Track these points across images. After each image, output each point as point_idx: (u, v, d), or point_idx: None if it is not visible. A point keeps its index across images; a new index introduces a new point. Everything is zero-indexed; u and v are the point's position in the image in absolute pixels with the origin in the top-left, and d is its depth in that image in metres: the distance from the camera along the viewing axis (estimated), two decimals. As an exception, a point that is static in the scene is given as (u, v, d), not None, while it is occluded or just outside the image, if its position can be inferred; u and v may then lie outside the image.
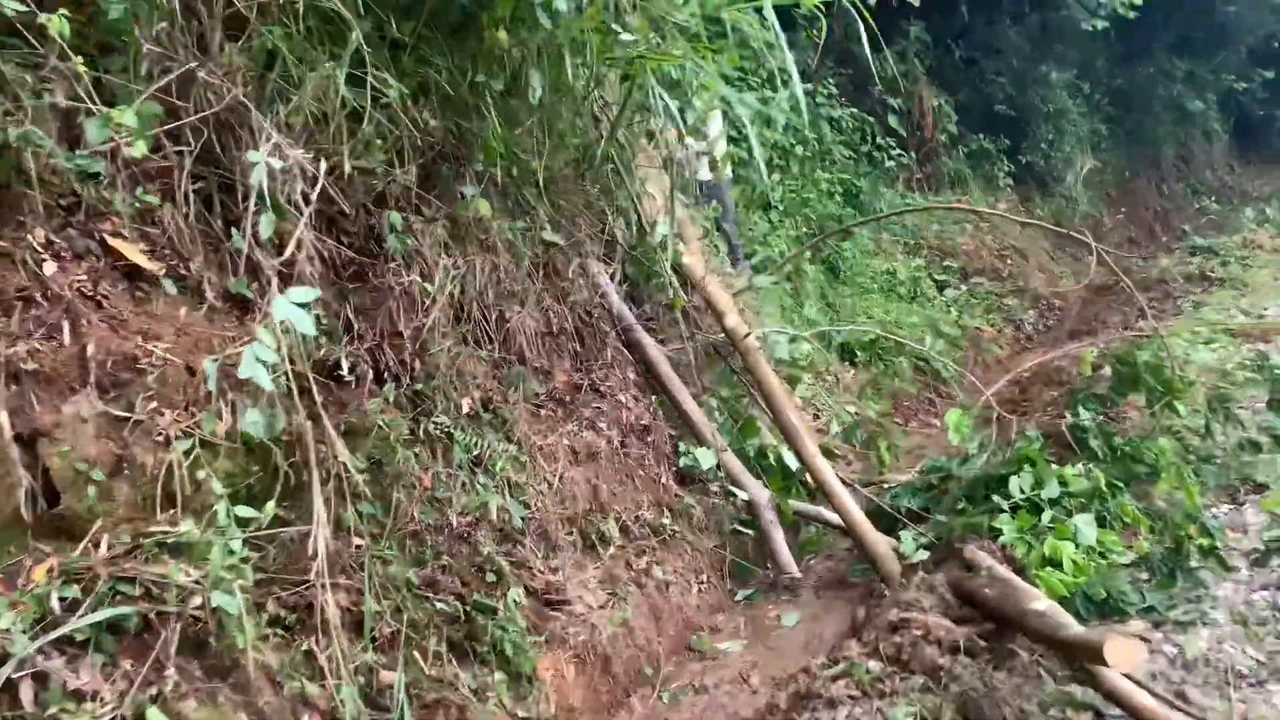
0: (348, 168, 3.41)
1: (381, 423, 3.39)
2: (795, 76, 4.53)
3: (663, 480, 4.59)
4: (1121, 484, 4.67)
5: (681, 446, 4.74)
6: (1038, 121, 14.29)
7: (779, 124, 8.15)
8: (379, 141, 3.62)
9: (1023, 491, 4.47)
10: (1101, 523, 4.35)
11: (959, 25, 13.83)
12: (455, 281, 3.84)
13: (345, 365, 3.39)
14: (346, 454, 3.10)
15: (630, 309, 4.92)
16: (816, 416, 6.44)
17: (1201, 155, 22.39)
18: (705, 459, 4.65)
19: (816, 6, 4.71)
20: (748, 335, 4.85)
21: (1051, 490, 4.46)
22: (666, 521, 4.52)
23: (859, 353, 8.21)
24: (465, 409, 3.78)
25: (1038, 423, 5.50)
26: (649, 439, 4.53)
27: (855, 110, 12.48)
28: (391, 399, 3.52)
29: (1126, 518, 4.51)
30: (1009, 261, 12.37)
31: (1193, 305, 10.09)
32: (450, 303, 3.85)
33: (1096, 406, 5.12)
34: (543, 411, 4.10)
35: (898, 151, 12.10)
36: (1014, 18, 13.82)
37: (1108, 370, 5.35)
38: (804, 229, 8.89)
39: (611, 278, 4.91)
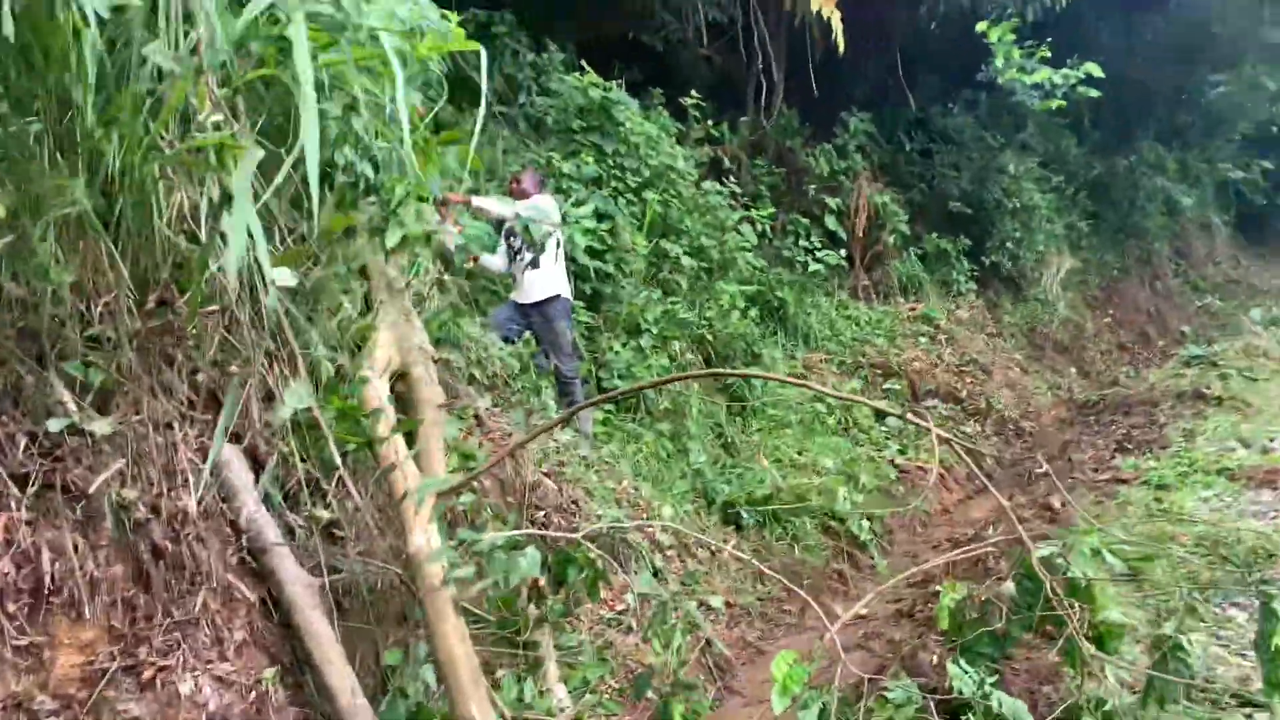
0: None
1: None
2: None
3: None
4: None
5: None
6: (1002, 218, 12.78)
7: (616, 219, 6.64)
8: None
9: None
10: None
11: (908, 116, 12.48)
12: None
13: None
14: None
15: (274, 517, 3.28)
16: (636, 638, 4.69)
17: (1201, 248, 20.86)
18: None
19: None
20: (442, 570, 3.12)
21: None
22: None
23: (745, 512, 6.48)
24: None
25: (913, 667, 3.75)
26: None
27: (776, 210, 11.03)
28: None
29: None
30: (969, 379, 10.68)
31: (1183, 435, 8.32)
32: None
33: (990, 653, 3.37)
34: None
35: (824, 254, 10.53)
36: (967, 104, 12.45)
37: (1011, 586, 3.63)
38: (687, 358, 7.27)
39: (258, 463, 3.29)
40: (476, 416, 4.58)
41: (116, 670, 2.69)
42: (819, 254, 10.29)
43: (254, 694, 2.90)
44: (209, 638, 2.91)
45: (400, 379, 4.16)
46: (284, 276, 2.56)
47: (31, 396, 2.67)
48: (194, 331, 3.11)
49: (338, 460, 3.30)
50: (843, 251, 10.77)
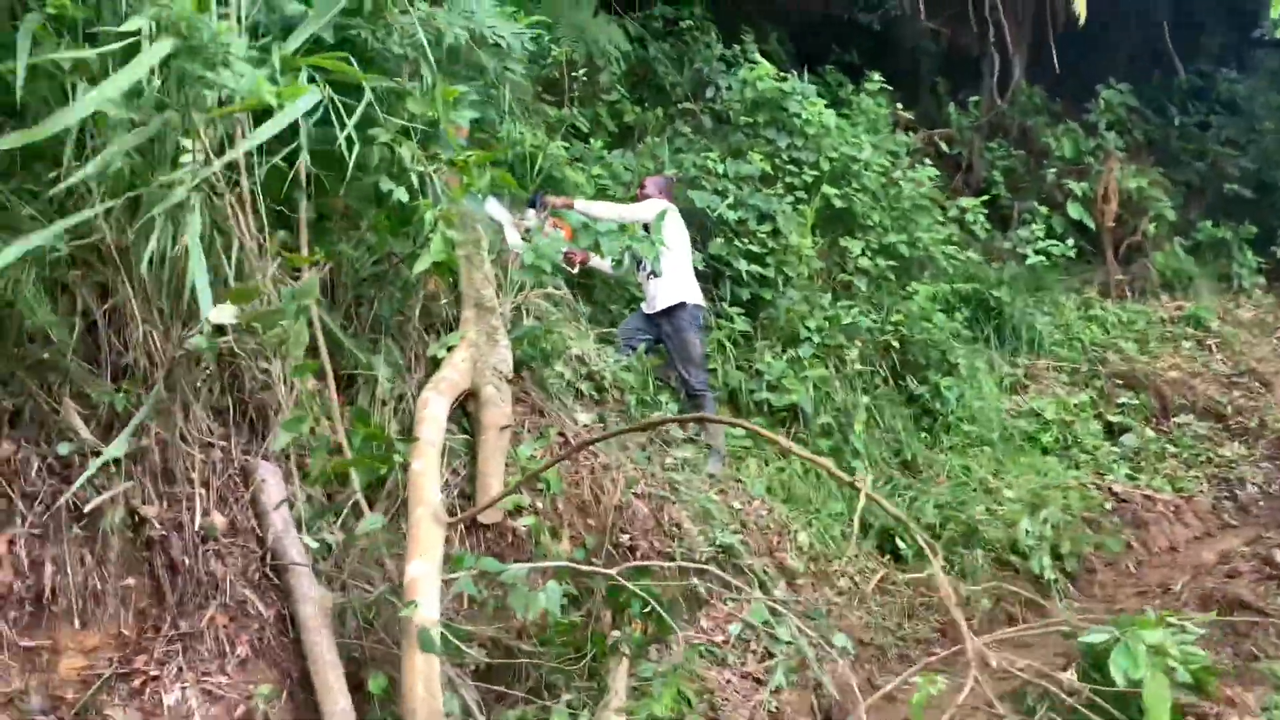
0: None
1: None
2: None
3: None
4: None
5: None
6: (1301, 201, 10.76)
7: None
8: None
9: None
10: None
11: (1181, 85, 10.84)
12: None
13: None
14: None
15: (300, 536, 3.36)
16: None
17: None
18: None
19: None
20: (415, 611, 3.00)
21: None
22: None
23: (902, 542, 5.90)
24: None
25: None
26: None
27: (1012, 197, 10.00)
28: None
29: None
30: (1240, 393, 9.09)
31: None
32: None
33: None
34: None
35: (1045, 244, 9.34)
36: (1255, 67, 10.59)
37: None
38: (856, 367, 6.69)
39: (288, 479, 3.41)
40: (562, 434, 4.49)
41: (113, 676, 2.89)
42: (1039, 245, 9.15)
43: (243, 709, 3.01)
44: (211, 651, 3.05)
45: (471, 398, 4.18)
46: (223, 315, 2.60)
47: (47, 421, 2.91)
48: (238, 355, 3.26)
49: (356, 484, 3.34)
50: (1070, 242, 9.48)
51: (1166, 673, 2.75)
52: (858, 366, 6.74)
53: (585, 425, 4.81)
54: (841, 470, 6.35)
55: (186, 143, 2.86)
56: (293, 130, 3.67)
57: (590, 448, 4.59)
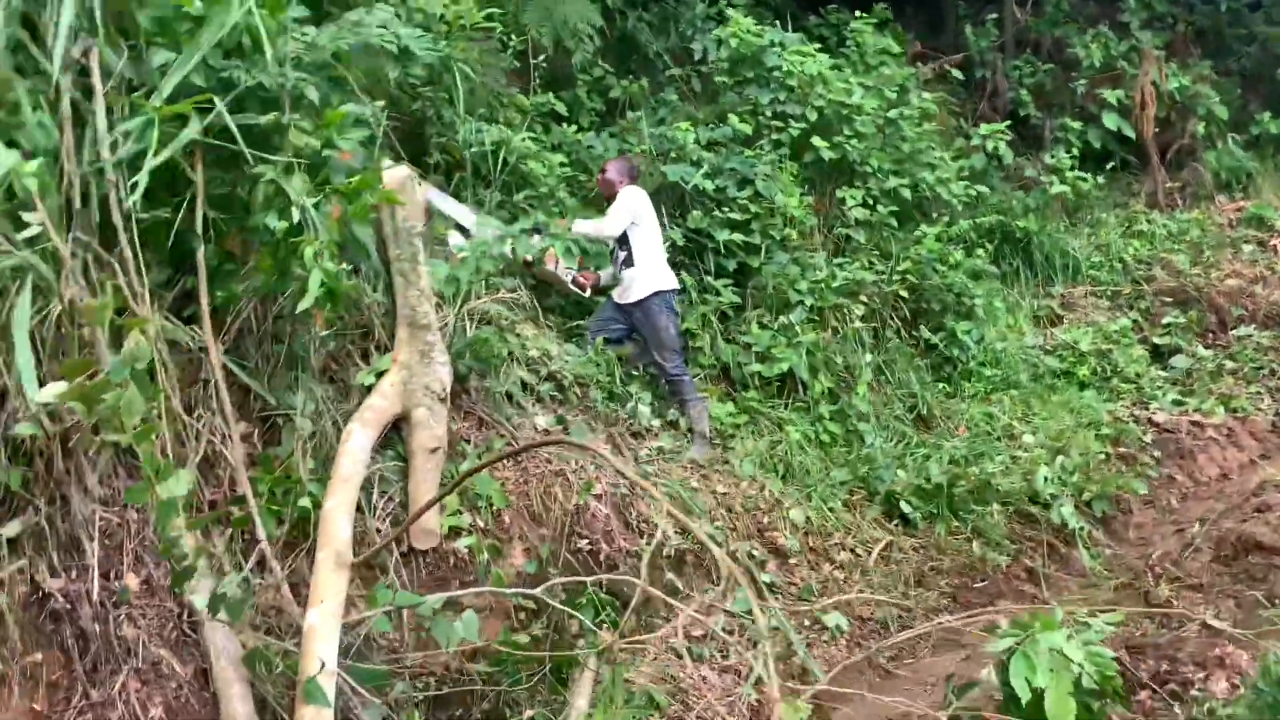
0: None
1: None
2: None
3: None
4: None
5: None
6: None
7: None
8: None
9: None
10: None
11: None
12: None
13: None
14: None
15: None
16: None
17: None
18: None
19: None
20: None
21: None
22: None
23: (912, 503, 5.65)
24: None
25: None
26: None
27: (1043, 116, 9.42)
28: None
29: None
30: (1308, 295, 8.38)
31: None
32: None
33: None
34: None
35: (1066, 171, 8.76)
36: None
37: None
38: (855, 325, 6.38)
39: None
40: (512, 443, 4.42)
41: (28, 748, 2.98)
42: (1067, 174, 8.57)
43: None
44: (123, 717, 3.11)
45: (405, 422, 4.15)
46: (47, 394, 2.60)
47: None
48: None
49: (261, 534, 3.35)
50: (1110, 155, 8.86)
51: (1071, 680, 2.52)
52: (858, 325, 6.45)
53: (545, 429, 4.75)
54: (849, 433, 6.20)
55: (29, 216, 2.87)
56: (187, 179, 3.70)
57: (544, 452, 4.53)
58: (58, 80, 3.20)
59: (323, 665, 2.88)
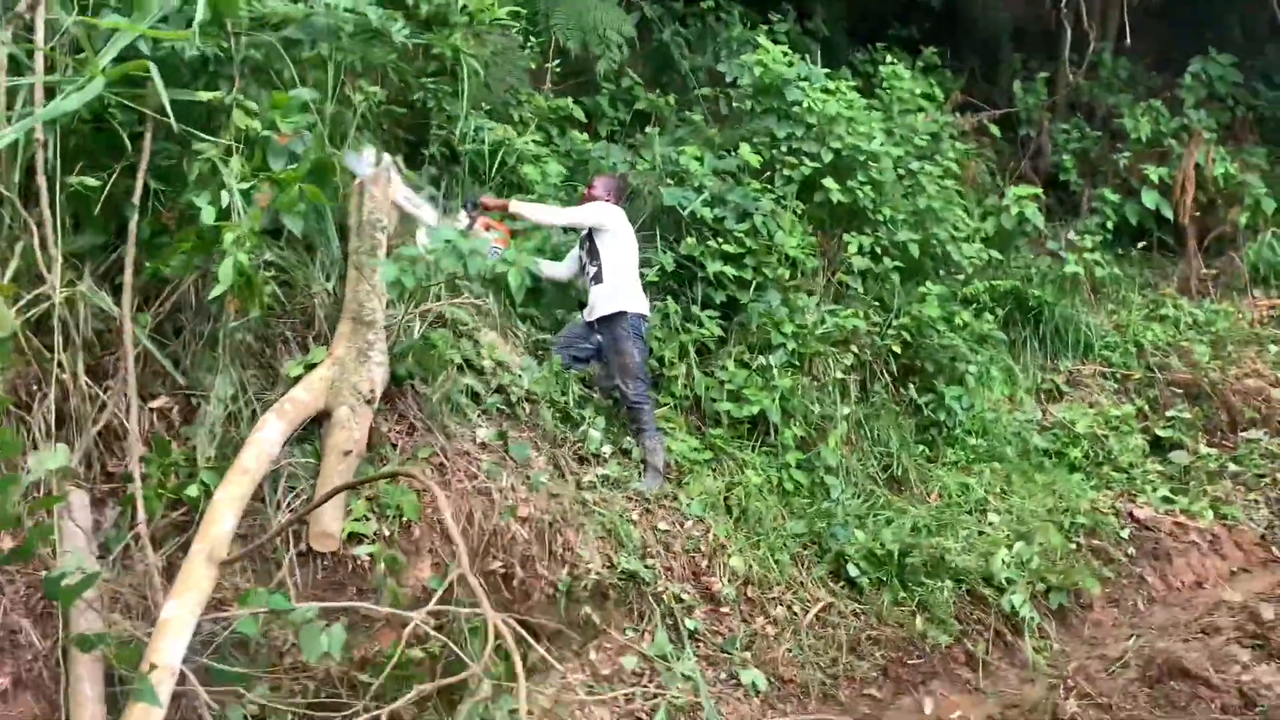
0: None
1: None
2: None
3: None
4: None
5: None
6: None
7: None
8: None
9: None
10: None
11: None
12: None
13: None
14: None
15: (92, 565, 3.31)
16: None
17: None
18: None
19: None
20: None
21: None
22: None
23: (856, 567, 5.46)
24: None
25: None
26: None
27: (1082, 183, 9.15)
28: None
29: None
30: (1328, 403, 8.02)
31: None
32: None
33: None
34: None
35: (1086, 247, 8.47)
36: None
37: None
38: (836, 376, 6.19)
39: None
40: (441, 453, 4.33)
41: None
42: (1089, 253, 8.28)
43: (-6, 743, 3.02)
44: (-32, 680, 3.06)
45: (326, 419, 4.08)
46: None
47: None
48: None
49: (141, 516, 3.29)
50: (1145, 234, 8.57)
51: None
52: (839, 375, 6.27)
53: (483, 442, 4.66)
54: (815, 484, 6.02)
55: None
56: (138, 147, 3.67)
57: (473, 468, 4.43)
58: (-1, 34, 3.16)
59: (152, 667, 2.80)
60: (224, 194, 3.41)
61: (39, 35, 3.22)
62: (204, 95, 3.49)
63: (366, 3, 4.19)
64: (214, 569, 3.16)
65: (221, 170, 3.44)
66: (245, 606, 3.23)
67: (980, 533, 5.95)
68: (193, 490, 3.45)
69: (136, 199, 3.56)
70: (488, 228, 5.26)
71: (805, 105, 6.78)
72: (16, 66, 3.27)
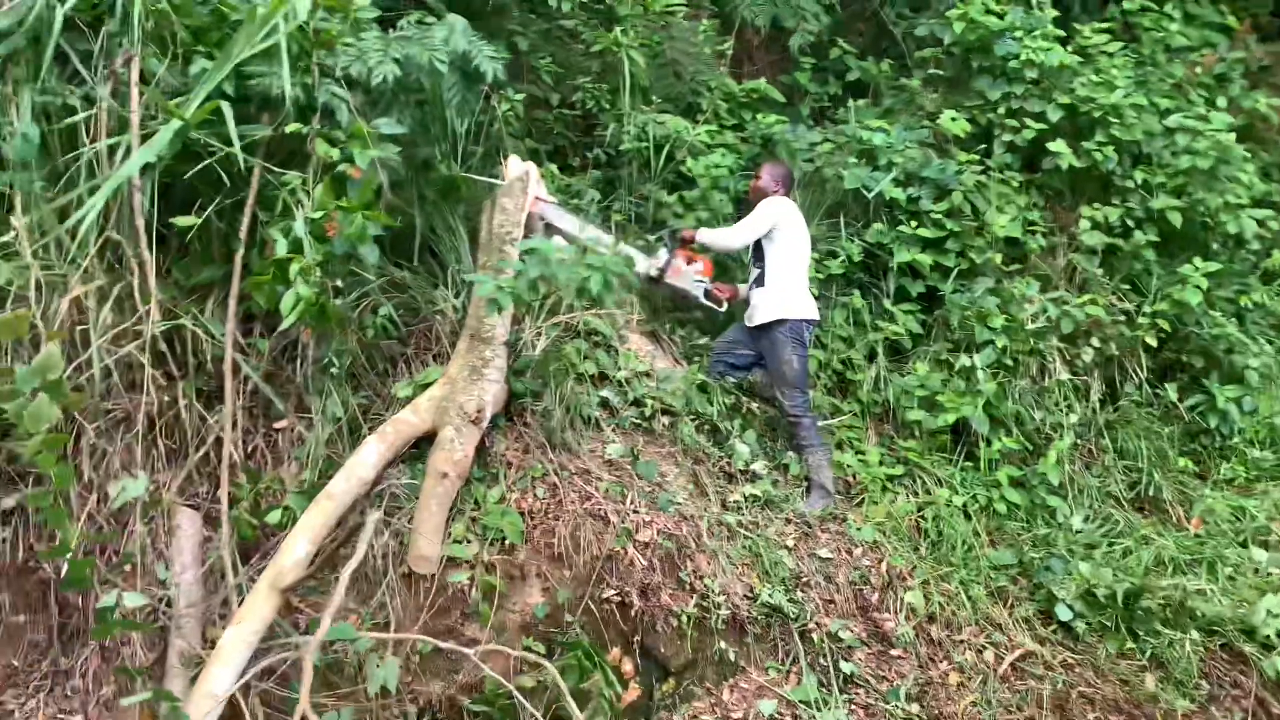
0: None
1: None
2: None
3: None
4: None
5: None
6: None
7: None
8: None
9: None
10: None
11: None
12: None
13: None
14: None
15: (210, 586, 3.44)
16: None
17: None
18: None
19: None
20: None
21: None
22: None
23: (1070, 608, 4.53)
24: None
25: None
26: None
27: None
28: None
29: None
30: None
31: None
32: None
33: None
34: None
35: None
36: None
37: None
38: (1062, 378, 5.15)
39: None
40: (559, 473, 4.14)
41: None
42: None
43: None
44: (77, 689, 3.34)
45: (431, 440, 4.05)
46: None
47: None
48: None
49: (225, 537, 3.40)
50: None
51: None
52: (1062, 376, 5.31)
53: (610, 459, 4.42)
54: (1035, 506, 5.16)
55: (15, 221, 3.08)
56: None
57: (590, 488, 4.21)
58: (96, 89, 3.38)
59: (172, 698, 2.85)
60: (296, 225, 3.44)
61: (133, 89, 3.42)
62: (291, 128, 3.54)
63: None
64: (276, 596, 3.19)
65: (295, 201, 3.47)
66: (312, 634, 3.23)
67: (1254, 571, 4.79)
68: (274, 516, 3.53)
69: (243, 233, 3.70)
70: (690, 260, 5.03)
71: (1023, 58, 5.81)
72: (121, 121, 3.51)
